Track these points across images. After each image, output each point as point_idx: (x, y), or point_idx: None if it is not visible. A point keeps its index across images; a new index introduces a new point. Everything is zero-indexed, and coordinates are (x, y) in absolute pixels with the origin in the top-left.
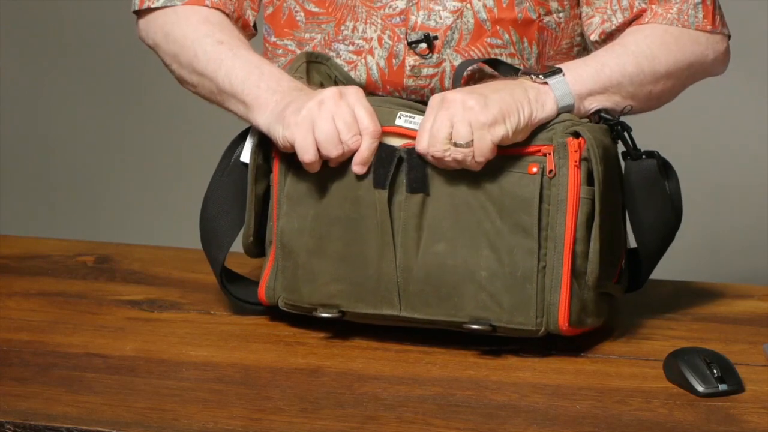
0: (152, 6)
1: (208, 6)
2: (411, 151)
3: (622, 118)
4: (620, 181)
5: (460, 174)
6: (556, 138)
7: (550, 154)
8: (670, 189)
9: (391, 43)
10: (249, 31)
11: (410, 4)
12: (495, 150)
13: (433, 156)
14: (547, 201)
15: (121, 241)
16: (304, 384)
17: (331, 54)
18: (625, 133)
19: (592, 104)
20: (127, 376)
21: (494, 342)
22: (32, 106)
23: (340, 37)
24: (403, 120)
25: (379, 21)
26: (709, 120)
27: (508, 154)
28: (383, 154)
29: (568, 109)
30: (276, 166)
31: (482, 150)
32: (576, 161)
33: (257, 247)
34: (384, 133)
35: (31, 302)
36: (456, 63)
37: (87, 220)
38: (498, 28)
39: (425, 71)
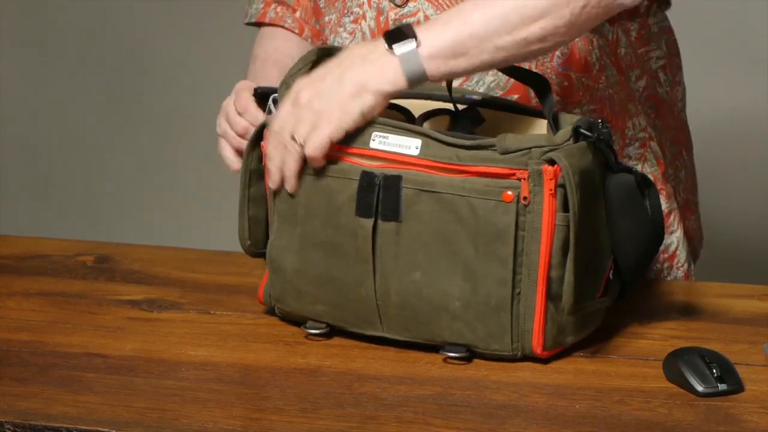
0: (244, 21)
1: (267, 22)
2: (387, 178)
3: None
4: (603, 195)
5: (433, 201)
6: (531, 164)
7: (524, 179)
8: (650, 205)
9: (377, 1)
10: (320, 38)
11: None
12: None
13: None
14: (522, 227)
15: (121, 240)
16: (304, 384)
17: (341, 30)
18: (605, 145)
19: (455, 67)
20: (127, 375)
21: None
22: (32, 106)
23: (345, 11)
24: (377, 142)
25: None
26: (708, 118)
27: (481, 177)
28: (365, 182)
29: (420, 80)
30: (267, 175)
31: (315, 146)
32: (551, 189)
33: (256, 249)
34: (360, 156)
35: (31, 302)
36: (428, 12)
37: (87, 219)
38: None
39: (405, 21)
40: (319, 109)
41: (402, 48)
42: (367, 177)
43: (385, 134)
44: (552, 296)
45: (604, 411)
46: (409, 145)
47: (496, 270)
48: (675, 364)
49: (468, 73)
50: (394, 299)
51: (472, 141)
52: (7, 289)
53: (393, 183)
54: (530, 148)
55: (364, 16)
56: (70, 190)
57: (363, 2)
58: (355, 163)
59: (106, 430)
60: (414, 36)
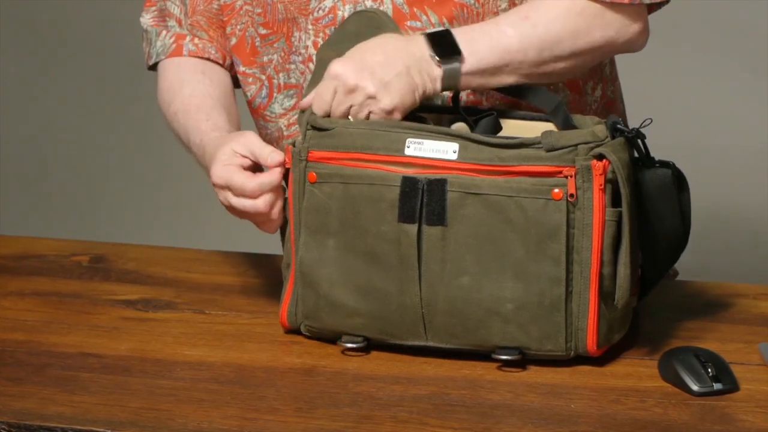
0: (149, 63)
1: (185, 56)
2: (431, 182)
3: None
4: (639, 190)
5: (479, 204)
6: (578, 160)
7: (571, 176)
8: (681, 201)
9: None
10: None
11: (337, 0)
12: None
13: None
14: (572, 225)
15: (116, 240)
16: (299, 383)
17: (291, 66)
18: (640, 141)
19: (483, 84)
20: (122, 375)
21: None
22: (28, 107)
23: (293, 49)
24: (413, 148)
25: (311, 27)
26: (708, 119)
27: (526, 177)
28: (407, 188)
29: (449, 89)
30: (290, 189)
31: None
32: (601, 185)
33: None
34: (395, 163)
35: (26, 302)
36: None
37: (82, 219)
38: (415, 10)
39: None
40: (383, 75)
41: (448, 64)
42: (409, 182)
43: (420, 140)
44: (603, 295)
45: (600, 410)
46: (446, 150)
47: (549, 269)
48: (670, 363)
49: (488, 89)
50: (441, 306)
51: (514, 140)
52: (2, 289)
53: (438, 187)
54: (577, 145)
55: (311, 59)
56: (66, 190)
57: (308, 45)
58: (390, 170)
59: (101, 430)
60: (459, 53)
